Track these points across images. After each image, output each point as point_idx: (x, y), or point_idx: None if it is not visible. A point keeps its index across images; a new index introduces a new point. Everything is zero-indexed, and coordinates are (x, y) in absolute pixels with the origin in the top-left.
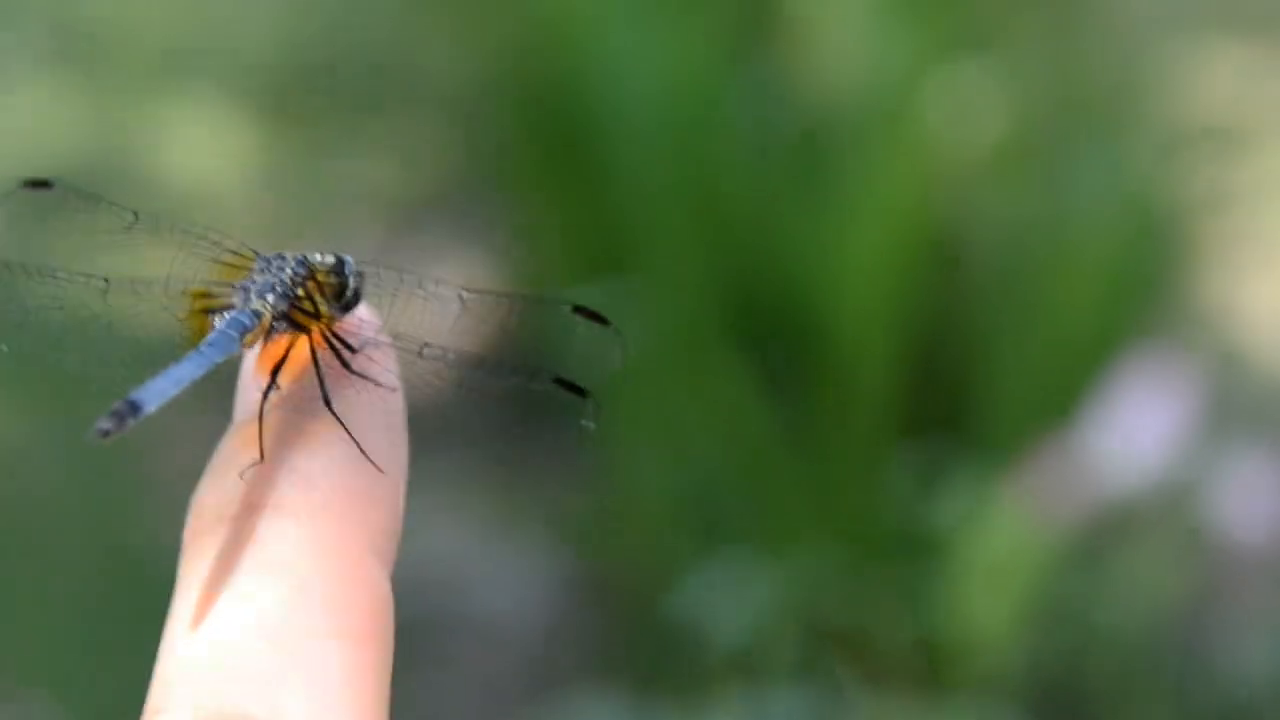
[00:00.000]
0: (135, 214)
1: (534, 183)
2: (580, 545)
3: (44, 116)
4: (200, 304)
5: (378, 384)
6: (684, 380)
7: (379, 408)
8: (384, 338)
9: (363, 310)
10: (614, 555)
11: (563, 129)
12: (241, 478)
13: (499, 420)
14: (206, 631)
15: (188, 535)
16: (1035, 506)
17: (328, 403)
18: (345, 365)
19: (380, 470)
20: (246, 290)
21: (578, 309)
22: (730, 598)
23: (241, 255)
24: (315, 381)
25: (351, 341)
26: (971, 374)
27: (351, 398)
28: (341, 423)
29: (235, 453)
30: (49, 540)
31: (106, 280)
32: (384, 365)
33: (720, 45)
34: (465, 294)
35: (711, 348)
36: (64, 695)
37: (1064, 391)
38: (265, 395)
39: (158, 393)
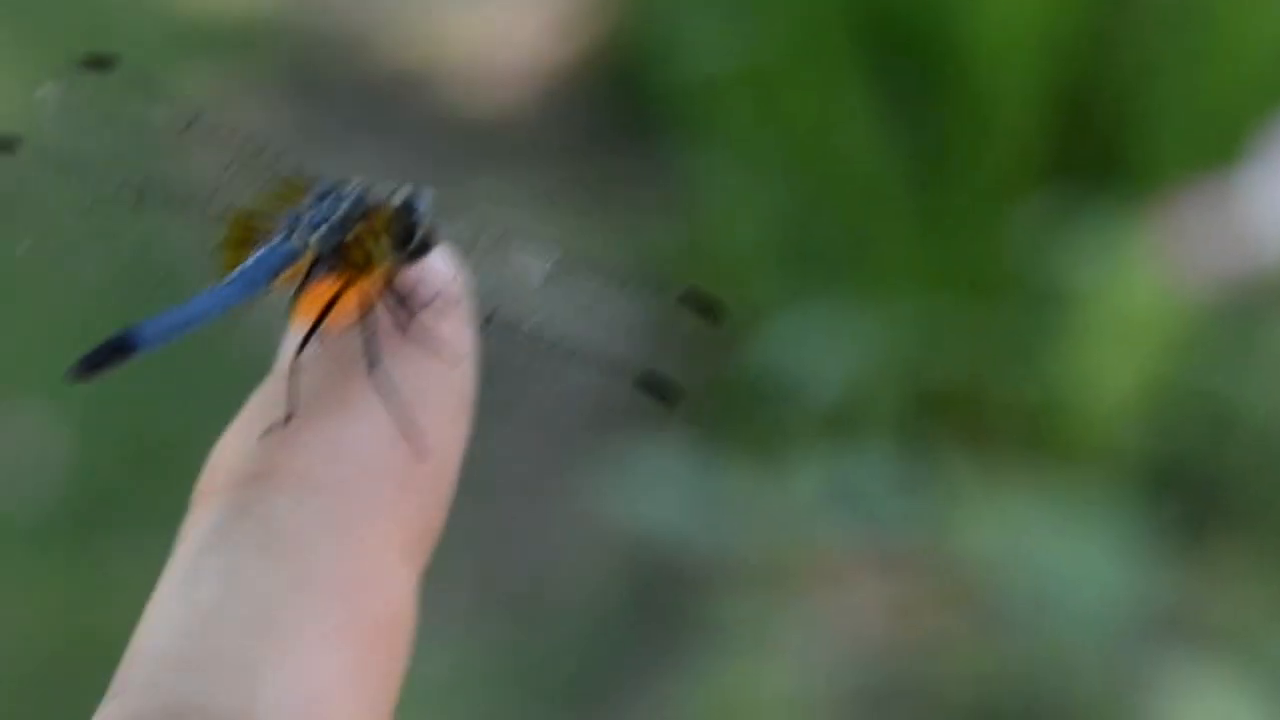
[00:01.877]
0: (197, 115)
1: None
2: (664, 278)
3: None
4: (237, 233)
5: (444, 352)
6: (794, 93)
7: (438, 381)
8: (453, 300)
9: (440, 263)
10: (700, 293)
11: None
12: (261, 439)
13: (584, 135)
14: (189, 610)
15: (195, 496)
16: (1178, 264)
17: (372, 365)
18: (400, 326)
19: (423, 453)
20: (290, 223)
21: (688, 296)
22: (824, 346)
23: (297, 180)
24: (365, 339)
25: (411, 298)
26: (1125, 111)
27: (407, 364)
28: (383, 392)
29: (261, 409)
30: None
31: (140, 189)
32: (453, 332)
33: None
34: (556, 261)
35: (830, 58)
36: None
37: (1227, 138)
38: (301, 348)
39: (157, 333)
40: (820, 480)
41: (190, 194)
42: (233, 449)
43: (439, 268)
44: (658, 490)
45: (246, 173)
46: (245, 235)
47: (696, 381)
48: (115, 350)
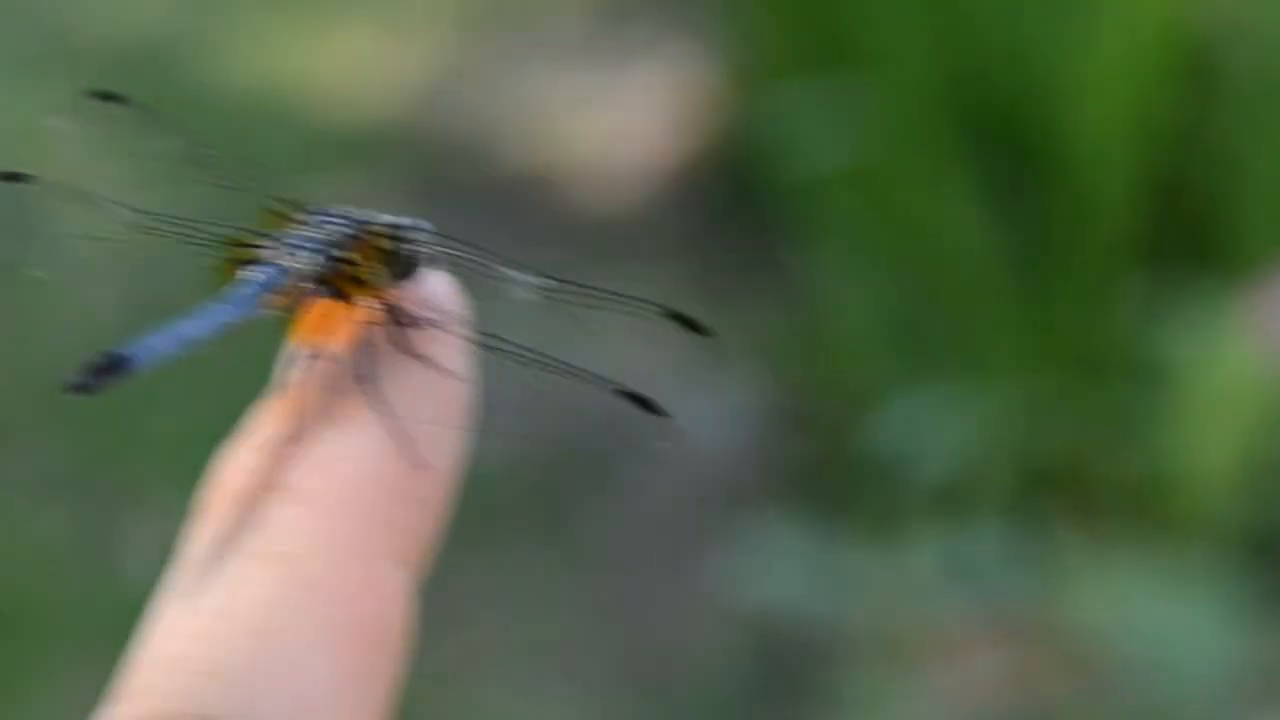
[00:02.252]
0: (200, 146)
1: None
2: (779, 367)
3: None
4: (233, 253)
5: (437, 368)
6: (902, 187)
7: (434, 396)
8: (449, 318)
9: (438, 284)
10: (814, 379)
11: None
12: (261, 452)
13: (702, 230)
14: (188, 617)
15: (200, 507)
16: (1272, 341)
17: (367, 380)
18: (396, 342)
19: (417, 465)
20: (283, 244)
21: (671, 314)
22: (935, 427)
23: (292, 206)
24: (364, 354)
25: (407, 318)
26: (1219, 197)
27: (404, 381)
28: (380, 406)
29: (263, 423)
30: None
31: (142, 213)
32: (450, 349)
33: None
34: (542, 281)
35: (935, 153)
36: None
37: None
38: (299, 365)
39: (151, 350)
40: (936, 555)
41: (191, 220)
42: (235, 462)
43: (436, 290)
44: (781, 567)
45: (245, 200)
46: (240, 258)
47: (814, 461)
48: (112, 365)
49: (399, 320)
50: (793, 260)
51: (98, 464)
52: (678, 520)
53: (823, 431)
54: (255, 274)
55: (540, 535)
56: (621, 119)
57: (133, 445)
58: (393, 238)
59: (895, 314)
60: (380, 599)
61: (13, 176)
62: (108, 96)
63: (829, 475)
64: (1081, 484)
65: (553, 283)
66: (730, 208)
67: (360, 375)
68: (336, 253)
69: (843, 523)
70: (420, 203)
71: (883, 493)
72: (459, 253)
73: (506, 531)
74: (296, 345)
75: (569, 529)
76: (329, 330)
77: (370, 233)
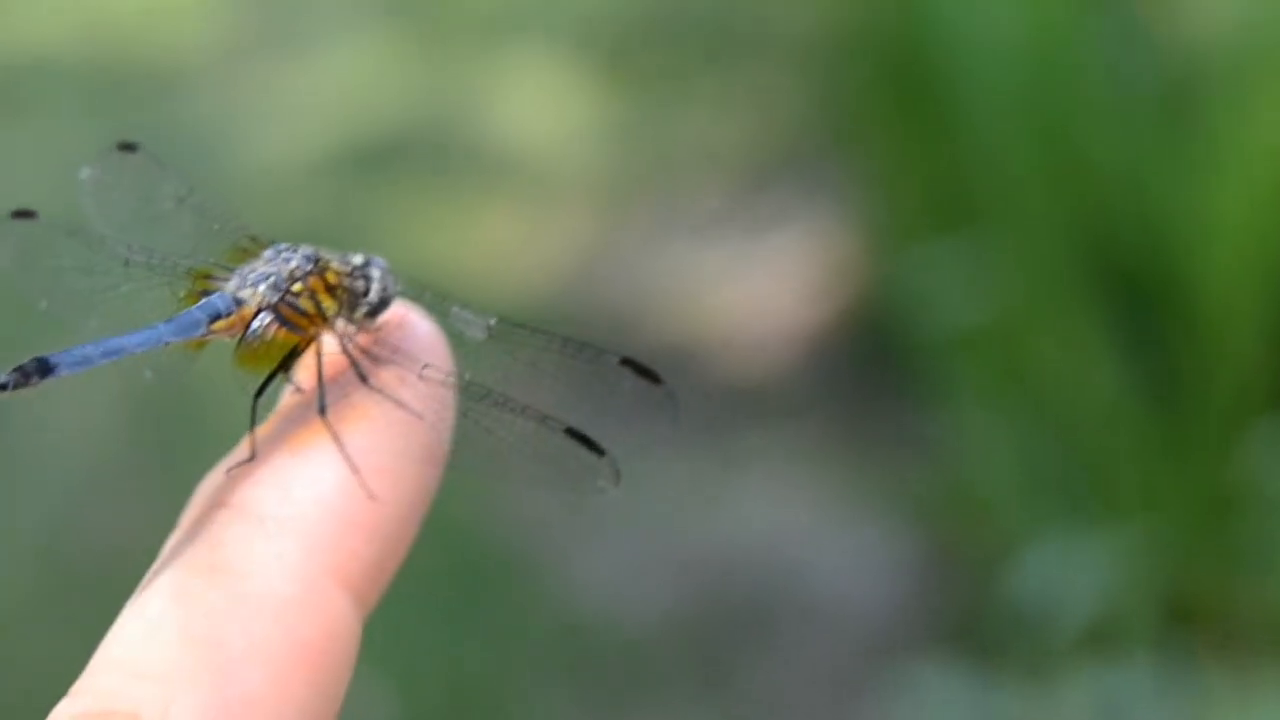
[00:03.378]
0: (190, 190)
1: (884, 136)
2: (923, 519)
3: (373, 75)
4: (199, 284)
5: (397, 403)
6: (1035, 339)
7: (396, 429)
8: (414, 356)
9: (407, 321)
10: (958, 528)
11: (913, 79)
12: (227, 474)
13: (842, 390)
14: (139, 622)
15: (178, 523)
16: None
17: (322, 411)
18: (362, 377)
19: (371, 496)
20: (242, 277)
21: (626, 361)
22: (1078, 570)
23: (259, 243)
24: (329, 386)
25: (373, 352)
26: None
27: (366, 413)
28: (338, 437)
29: (240, 448)
30: None
31: (129, 250)
32: (414, 386)
33: None
34: (493, 324)
35: (1066, 305)
36: (396, 673)
37: None
38: (259, 393)
39: (79, 358)
40: (1086, 695)
41: (173, 255)
42: (209, 482)
43: (409, 327)
44: (939, 714)
45: (221, 237)
46: (205, 288)
47: (963, 608)
48: (36, 369)
49: (362, 355)
50: (933, 414)
51: None
52: (834, 672)
53: (970, 579)
54: (207, 300)
55: (700, 693)
56: (761, 287)
57: None
58: (353, 275)
59: (1033, 462)
60: (319, 618)
61: (24, 214)
62: (126, 147)
63: (979, 622)
64: (1224, 619)
65: (505, 325)
66: (870, 366)
67: (322, 407)
68: (289, 286)
69: (995, 667)
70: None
71: (1032, 636)
72: (414, 292)
73: (667, 690)
74: (243, 371)
75: (728, 685)
76: (272, 358)
77: (324, 269)
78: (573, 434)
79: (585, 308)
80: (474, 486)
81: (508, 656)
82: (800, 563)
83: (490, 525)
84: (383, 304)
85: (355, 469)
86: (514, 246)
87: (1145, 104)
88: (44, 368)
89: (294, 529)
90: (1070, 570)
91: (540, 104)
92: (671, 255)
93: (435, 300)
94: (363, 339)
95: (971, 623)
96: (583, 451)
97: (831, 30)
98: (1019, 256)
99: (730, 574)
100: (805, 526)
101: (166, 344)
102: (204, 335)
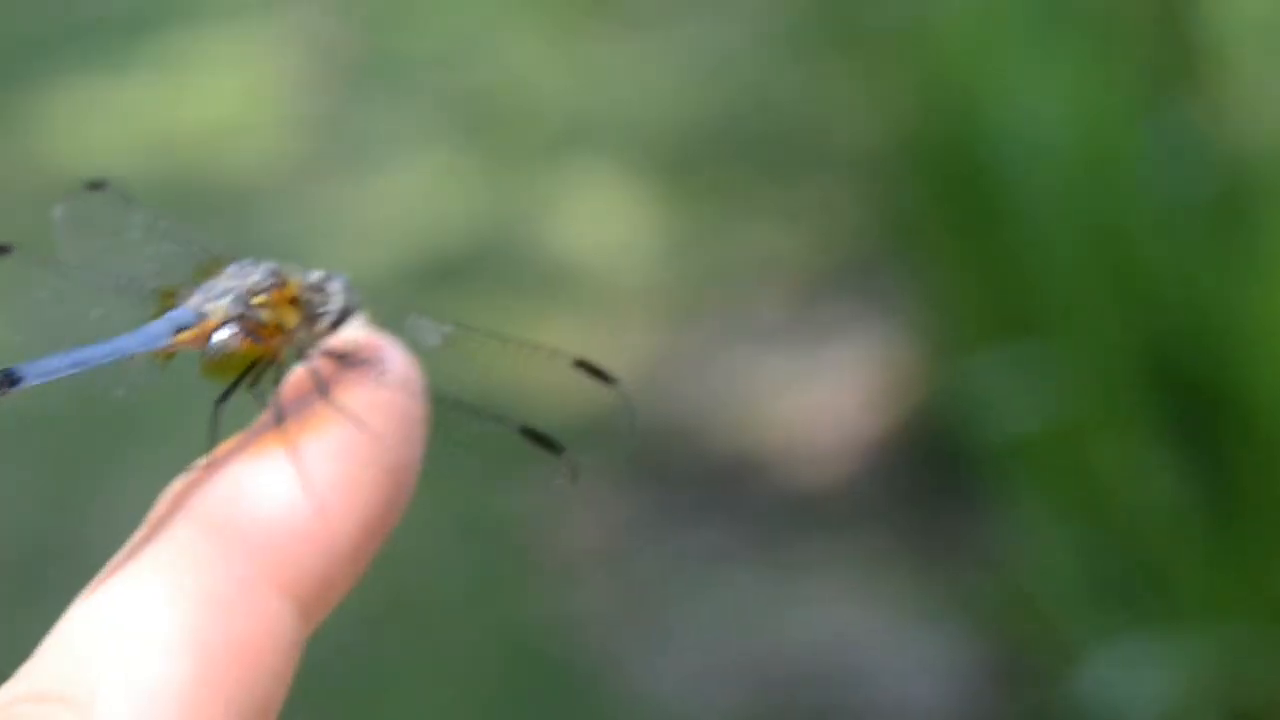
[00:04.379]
0: (157, 219)
1: (941, 245)
2: (986, 625)
3: (438, 192)
4: (166, 303)
5: (355, 416)
6: (1095, 444)
7: (355, 441)
8: (373, 368)
9: (368, 338)
10: (1021, 634)
11: (970, 189)
12: (184, 477)
13: (906, 497)
14: (84, 613)
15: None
16: None
17: (279, 421)
18: (322, 391)
19: (319, 508)
20: (205, 291)
21: (580, 364)
22: (1144, 676)
23: (223, 260)
24: (288, 397)
25: (334, 366)
26: None
27: (327, 424)
28: (289, 446)
29: (211, 454)
30: (441, 624)
31: (97, 275)
32: (374, 401)
33: (1132, 95)
34: (448, 330)
35: (1125, 411)
36: None
37: None
38: (221, 400)
39: (46, 370)
40: None
41: (142, 280)
42: (172, 486)
43: (371, 343)
44: None
45: (189, 259)
46: (171, 305)
47: (1027, 714)
48: (4, 382)
49: (329, 368)
50: (995, 521)
51: None
52: None
53: (1034, 685)
54: (171, 313)
55: None
56: (822, 396)
57: None
58: (314, 289)
59: (1096, 567)
60: (256, 620)
61: (1, 249)
62: (95, 185)
63: None
64: None
65: (460, 330)
66: (931, 474)
67: (279, 416)
68: (250, 299)
69: None
70: (642, 485)
71: None
72: (372, 303)
73: None
74: (211, 380)
75: None
76: (236, 369)
77: (285, 282)
78: (529, 432)
79: (648, 417)
80: (535, 587)
81: None
82: (864, 670)
83: (554, 627)
84: (343, 316)
85: (307, 479)
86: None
87: (1199, 210)
88: (10, 378)
89: (239, 533)
90: (1134, 676)
91: (603, 217)
92: (733, 365)
93: (392, 311)
94: (322, 349)
95: None
96: (540, 450)
97: (889, 142)
98: (1077, 362)
99: (795, 682)
100: (869, 634)
101: (132, 355)
102: (169, 346)
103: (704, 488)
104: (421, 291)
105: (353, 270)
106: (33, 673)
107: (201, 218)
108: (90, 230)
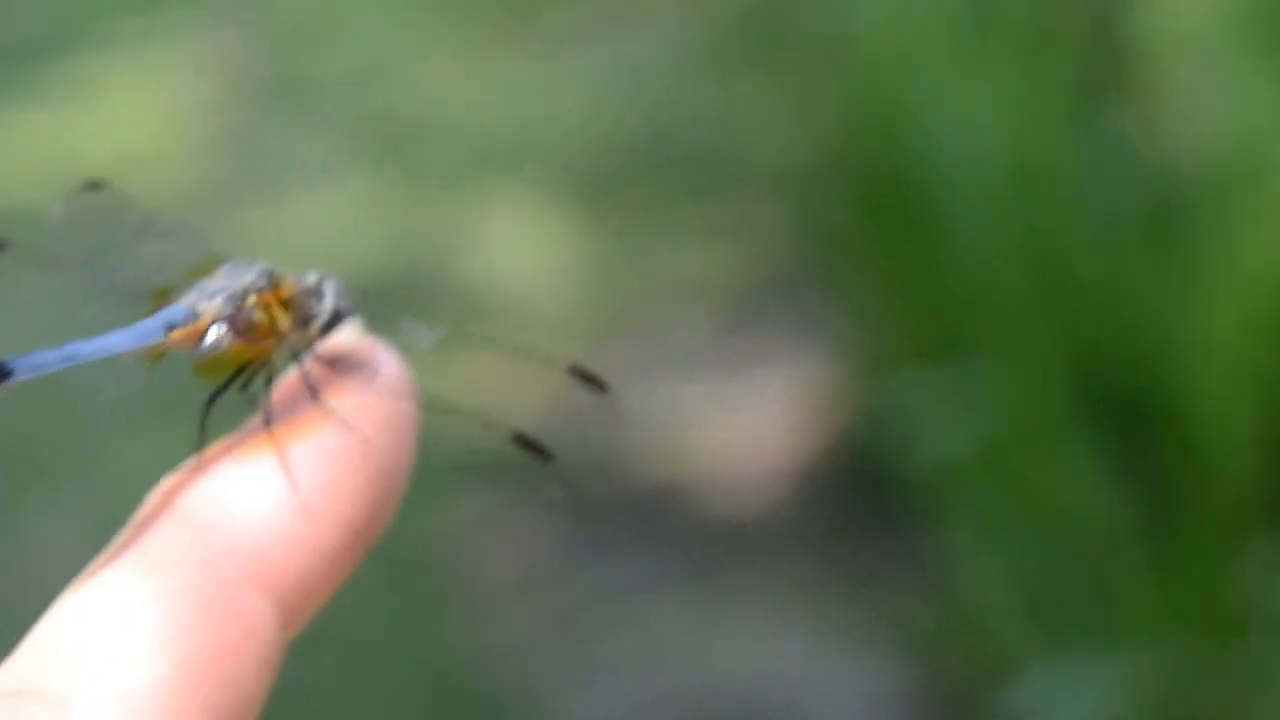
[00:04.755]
0: (151, 217)
1: (868, 265)
2: (920, 647)
3: (354, 216)
4: (160, 302)
5: (344, 418)
6: (1028, 462)
7: (346, 444)
8: (365, 371)
9: (359, 340)
10: (956, 655)
11: (898, 204)
12: (170, 477)
13: (834, 524)
14: (66, 610)
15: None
16: None
17: (268, 422)
18: (313, 392)
19: (304, 512)
20: (199, 290)
21: (574, 370)
22: (1082, 695)
23: (215, 260)
24: (277, 398)
25: (326, 368)
26: None
27: (317, 427)
28: (277, 448)
29: (200, 454)
30: (361, 654)
31: (94, 275)
32: (367, 405)
33: (1063, 106)
34: (442, 335)
35: (1059, 428)
36: None
37: None
38: (211, 400)
39: (37, 364)
40: None
41: (136, 280)
42: (161, 485)
43: (363, 347)
44: None
45: (184, 257)
46: (166, 304)
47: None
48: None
49: (321, 370)
50: (926, 543)
51: None
52: None
53: (969, 706)
54: (163, 311)
55: None
56: (748, 420)
57: None
58: (307, 291)
59: (1031, 586)
60: (236, 620)
61: None
62: (93, 185)
63: None
64: None
65: (455, 335)
66: (860, 498)
67: (268, 418)
68: (246, 299)
69: None
70: (564, 516)
71: None
72: (365, 307)
73: None
74: (202, 380)
75: None
76: (228, 369)
77: (278, 283)
78: (520, 439)
79: (568, 444)
80: (457, 618)
81: None
82: (794, 700)
83: (477, 658)
84: (336, 319)
85: (292, 481)
86: (495, 384)
87: (1132, 223)
88: (1, 370)
89: (224, 535)
90: (1071, 693)
91: (522, 239)
92: (657, 390)
93: (385, 314)
94: (313, 351)
95: None
96: (531, 457)
97: (814, 157)
98: (1009, 381)
99: (723, 714)
100: (799, 663)
101: (124, 351)
102: (161, 344)
103: (627, 516)
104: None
105: None
106: (12, 670)
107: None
108: (86, 229)
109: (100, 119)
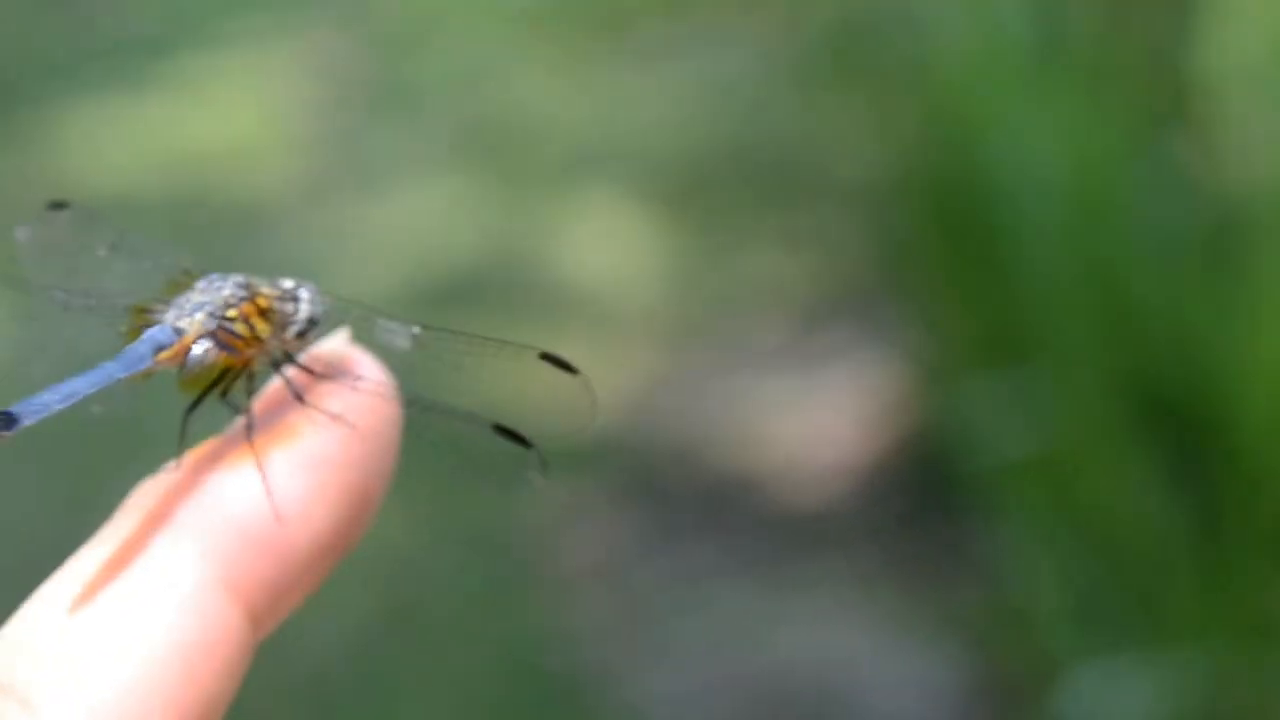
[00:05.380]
0: (122, 235)
1: (937, 275)
2: (974, 644)
3: (447, 215)
4: (139, 319)
5: (328, 431)
6: (1083, 469)
7: (320, 458)
8: (346, 375)
9: (342, 346)
10: (1008, 653)
11: (965, 220)
12: (151, 478)
13: (897, 520)
14: (38, 607)
15: None
16: None
17: (249, 429)
18: (297, 398)
19: (278, 517)
20: (178, 307)
21: (546, 356)
22: (1129, 696)
23: (192, 275)
24: (260, 406)
25: (308, 374)
26: None
27: (298, 433)
28: (255, 455)
29: (180, 459)
30: (443, 634)
31: (67, 295)
32: (349, 408)
33: (1126, 133)
34: (417, 332)
35: (1113, 437)
36: None
37: None
38: (192, 408)
39: (40, 406)
40: None
41: (111, 296)
42: (139, 487)
43: (341, 351)
44: None
45: (155, 273)
46: (145, 322)
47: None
48: (2, 426)
49: (299, 377)
50: (984, 543)
51: None
52: None
53: (1019, 703)
54: (149, 333)
55: None
56: (818, 419)
57: None
58: (285, 299)
59: (1082, 589)
60: (204, 623)
61: None
62: (58, 205)
63: None
64: None
65: (429, 331)
66: (923, 497)
67: (249, 425)
68: (224, 312)
69: None
70: (639, 505)
71: None
72: (341, 309)
73: None
74: (190, 395)
75: None
76: (208, 379)
77: (256, 294)
78: (501, 429)
79: (649, 437)
80: (535, 600)
81: None
82: (854, 688)
83: (552, 640)
84: (312, 324)
85: (270, 489)
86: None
87: (1188, 246)
88: (7, 420)
89: (196, 537)
90: (1117, 694)
91: (609, 242)
92: (732, 388)
93: (361, 316)
94: (293, 358)
95: None
96: (511, 445)
97: (889, 173)
98: (1067, 390)
99: (786, 699)
100: (859, 652)
101: (118, 379)
102: (150, 367)
103: (701, 506)
104: (428, 313)
105: (359, 291)
106: None
107: (213, 236)
108: (57, 250)
109: (207, 115)
